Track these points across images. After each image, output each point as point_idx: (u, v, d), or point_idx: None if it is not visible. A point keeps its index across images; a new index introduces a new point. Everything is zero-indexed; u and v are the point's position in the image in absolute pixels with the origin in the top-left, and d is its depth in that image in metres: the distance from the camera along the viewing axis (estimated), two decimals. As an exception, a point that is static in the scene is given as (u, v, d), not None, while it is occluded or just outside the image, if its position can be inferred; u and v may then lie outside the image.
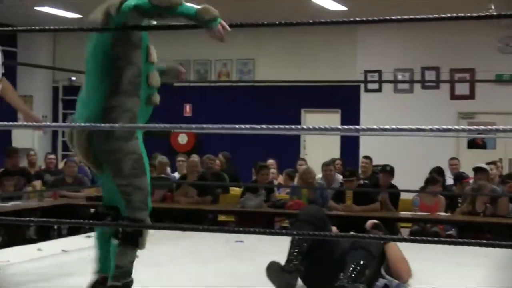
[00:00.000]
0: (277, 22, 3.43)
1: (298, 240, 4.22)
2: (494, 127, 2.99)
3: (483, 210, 8.21)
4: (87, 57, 3.69)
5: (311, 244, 4.21)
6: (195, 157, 10.59)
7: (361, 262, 4.07)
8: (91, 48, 3.67)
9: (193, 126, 3.38)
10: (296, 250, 4.19)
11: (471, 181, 9.09)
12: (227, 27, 3.53)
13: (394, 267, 4.28)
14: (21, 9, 12.82)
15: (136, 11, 3.48)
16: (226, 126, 3.30)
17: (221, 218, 9.78)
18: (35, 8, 12.80)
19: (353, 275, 3.97)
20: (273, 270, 4.13)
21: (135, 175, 3.78)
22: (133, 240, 3.73)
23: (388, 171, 9.07)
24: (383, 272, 4.29)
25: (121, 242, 3.73)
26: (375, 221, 4.64)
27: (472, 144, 13.29)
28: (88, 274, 4.61)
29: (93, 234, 6.46)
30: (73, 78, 15.75)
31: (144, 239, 3.75)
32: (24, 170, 10.26)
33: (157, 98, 3.72)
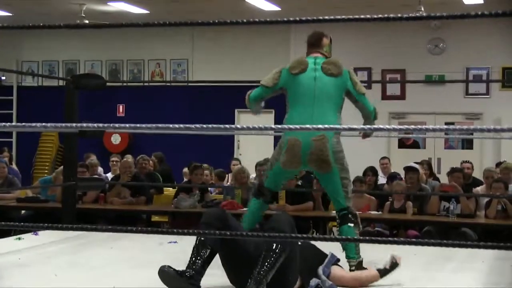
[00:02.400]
0: (211, 21, 3.41)
1: (199, 244, 4.15)
2: (423, 126, 3.05)
3: (400, 206, 8.44)
4: (316, 91, 4.78)
5: (215, 245, 4.16)
6: (128, 158, 10.49)
7: (268, 262, 3.99)
8: (334, 87, 4.83)
9: (127, 125, 3.33)
10: (195, 255, 4.12)
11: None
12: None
13: (338, 280, 4.36)
14: None
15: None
16: (160, 125, 3.27)
17: (155, 218, 9.70)
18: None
19: (258, 278, 3.92)
20: (167, 274, 4.05)
21: (348, 169, 4.82)
22: (358, 220, 4.76)
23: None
24: (320, 271, 4.31)
25: (355, 223, 4.70)
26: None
27: (403, 144, 13.53)
28: (18, 277, 4.52)
29: (23, 236, 6.37)
30: (3, 78, 15.43)
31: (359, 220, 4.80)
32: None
33: None
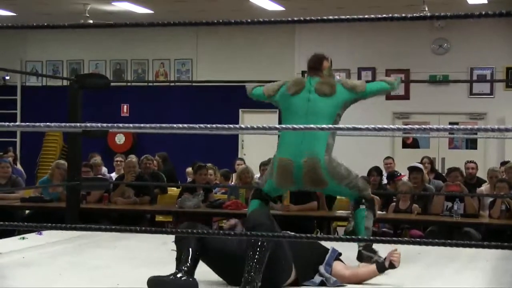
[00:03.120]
0: (215, 21, 3.41)
1: (182, 245, 4.18)
2: (427, 126, 3.05)
3: (406, 208, 8.43)
4: (313, 108, 4.76)
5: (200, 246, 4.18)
6: (133, 158, 10.49)
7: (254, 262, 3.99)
8: (326, 106, 4.78)
9: (131, 125, 3.34)
10: (183, 256, 4.16)
11: (403, 178, 9.25)
12: None
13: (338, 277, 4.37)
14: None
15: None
16: (163, 125, 3.27)
17: (159, 218, 9.72)
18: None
19: (249, 279, 3.93)
20: (157, 281, 4.06)
21: (349, 172, 4.85)
22: (373, 206, 4.84)
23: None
24: (322, 270, 4.32)
25: (367, 207, 4.78)
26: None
27: (407, 144, 13.53)
28: (22, 277, 4.53)
29: (27, 236, 6.38)
30: (7, 77, 15.46)
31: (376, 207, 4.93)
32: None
33: None
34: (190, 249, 4.15)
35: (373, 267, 4.45)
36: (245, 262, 3.96)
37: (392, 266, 4.36)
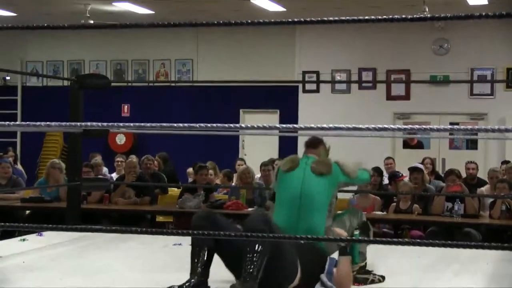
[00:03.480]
0: (215, 22, 3.41)
1: (195, 247, 4.22)
2: (428, 126, 3.05)
3: (406, 208, 8.43)
4: (302, 193, 4.61)
5: (210, 245, 4.21)
6: (133, 158, 10.49)
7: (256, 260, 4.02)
8: (319, 188, 4.64)
9: (131, 125, 3.34)
10: (195, 259, 4.19)
11: (405, 179, 9.25)
12: None
13: (338, 280, 4.35)
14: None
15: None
16: (164, 125, 3.28)
17: (160, 219, 9.71)
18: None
19: (247, 278, 3.96)
20: None
21: (351, 221, 4.83)
22: (367, 230, 4.75)
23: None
24: (324, 279, 4.32)
25: (362, 232, 4.65)
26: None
27: (407, 144, 13.53)
28: (24, 281, 4.52)
29: (28, 237, 6.37)
30: (8, 78, 15.46)
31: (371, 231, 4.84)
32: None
33: None
34: (206, 247, 4.19)
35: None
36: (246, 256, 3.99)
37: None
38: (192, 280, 4.13)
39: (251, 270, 3.95)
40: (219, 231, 4.08)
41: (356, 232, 4.68)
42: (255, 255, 3.98)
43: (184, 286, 4.12)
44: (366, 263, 4.71)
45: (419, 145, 13.60)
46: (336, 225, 4.62)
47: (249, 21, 3.41)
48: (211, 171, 9.89)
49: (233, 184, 9.88)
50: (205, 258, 4.19)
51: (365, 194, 8.71)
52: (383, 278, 4.61)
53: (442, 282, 4.77)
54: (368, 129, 3.45)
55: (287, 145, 13.15)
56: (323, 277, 4.33)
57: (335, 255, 4.51)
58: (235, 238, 4.13)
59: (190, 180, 10.57)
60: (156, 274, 4.18)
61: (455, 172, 8.74)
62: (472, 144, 13.36)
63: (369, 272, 4.69)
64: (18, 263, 5.15)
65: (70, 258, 5.42)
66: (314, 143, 4.95)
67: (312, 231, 4.47)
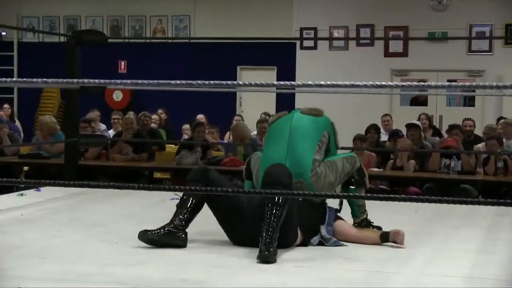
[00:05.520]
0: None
1: (183, 199, 4.22)
2: (426, 83, 3.05)
3: (402, 165, 8.45)
4: (292, 128, 4.50)
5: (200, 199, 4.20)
6: (131, 114, 10.48)
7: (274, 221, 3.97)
8: (309, 125, 4.53)
9: (128, 81, 3.33)
10: (180, 208, 4.20)
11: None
12: None
13: (339, 232, 4.40)
14: None
15: None
16: (161, 81, 3.27)
17: (157, 175, 9.75)
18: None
19: (267, 240, 3.88)
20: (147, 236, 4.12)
21: (341, 170, 4.61)
22: (363, 178, 4.68)
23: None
24: (323, 232, 4.33)
25: (357, 185, 4.64)
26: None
27: (413, 101, 13.57)
28: (22, 232, 4.56)
29: (26, 192, 6.40)
30: (4, 33, 15.36)
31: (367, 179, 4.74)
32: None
33: None
34: (192, 198, 4.18)
35: (376, 234, 4.46)
36: (260, 219, 3.95)
37: (395, 243, 4.38)
38: (167, 228, 4.13)
39: (268, 240, 3.87)
40: (213, 186, 4.09)
41: (352, 187, 4.69)
42: (273, 218, 3.93)
43: (156, 231, 4.12)
44: (367, 214, 4.73)
45: (417, 102, 13.60)
46: (327, 165, 4.48)
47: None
48: (212, 130, 9.91)
49: (229, 140, 9.89)
50: (189, 208, 4.17)
51: (360, 152, 8.72)
52: (380, 229, 4.64)
53: (439, 235, 4.81)
54: (365, 86, 3.45)
55: (284, 102, 13.14)
56: (323, 229, 4.35)
57: (335, 204, 4.53)
58: (232, 194, 4.13)
59: (185, 137, 10.58)
60: (152, 227, 4.21)
61: (460, 127, 8.80)
62: (469, 101, 13.36)
63: (370, 225, 4.72)
64: (17, 216, 5.19)
65: (68, 211, 5.45)
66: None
67: (298, 158, 4.40)
